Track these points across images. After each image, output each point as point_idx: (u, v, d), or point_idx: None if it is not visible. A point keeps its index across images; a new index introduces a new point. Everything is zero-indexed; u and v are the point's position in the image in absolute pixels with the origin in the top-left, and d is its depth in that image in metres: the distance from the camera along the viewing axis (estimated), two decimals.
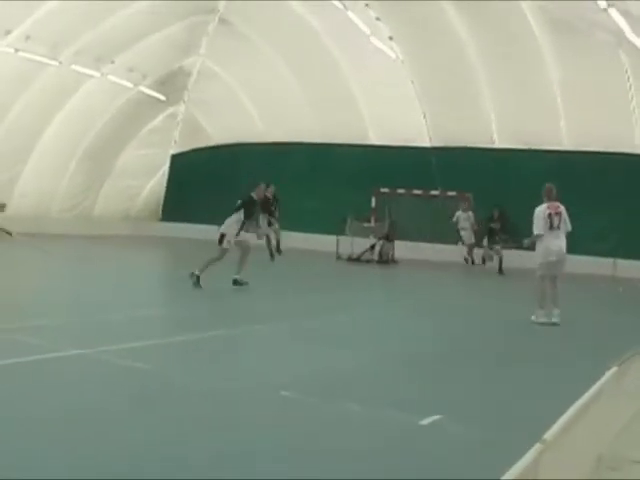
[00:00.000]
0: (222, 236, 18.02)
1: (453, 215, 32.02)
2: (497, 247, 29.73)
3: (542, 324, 15.00)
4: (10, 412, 7.23)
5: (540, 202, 15.63)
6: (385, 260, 30.82)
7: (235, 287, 17.94)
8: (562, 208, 15.55)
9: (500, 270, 28.72)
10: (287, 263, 28.45)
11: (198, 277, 17.61)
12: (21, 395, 7.96)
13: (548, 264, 15.41)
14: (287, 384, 8.88)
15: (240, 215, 18.20)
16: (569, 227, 15.57)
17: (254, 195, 18.99)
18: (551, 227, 15.31)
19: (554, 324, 15.01)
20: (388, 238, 31.53)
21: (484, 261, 30.98)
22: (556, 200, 15.66)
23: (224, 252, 18.08)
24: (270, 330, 13.34)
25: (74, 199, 36.47)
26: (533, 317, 15.31)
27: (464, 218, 31.66)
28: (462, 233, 31.63)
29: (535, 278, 15.60)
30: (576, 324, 15.53)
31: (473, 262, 31.50)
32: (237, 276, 18.25)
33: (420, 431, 7.45)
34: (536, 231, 15.37)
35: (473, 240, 31.43)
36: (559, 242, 15.48)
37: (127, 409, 7.72)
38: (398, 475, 6.17)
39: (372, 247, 31.15)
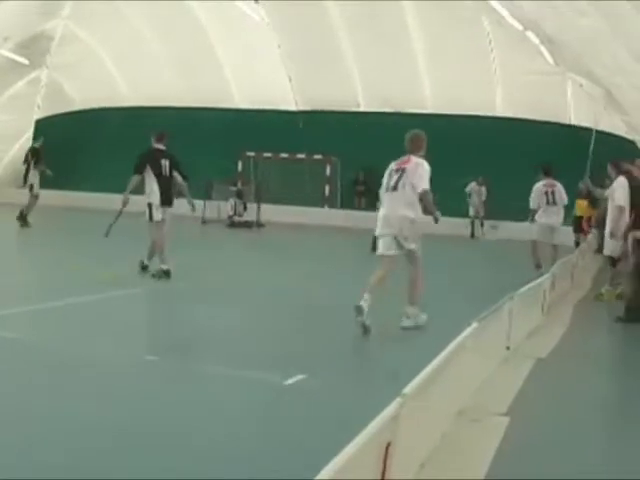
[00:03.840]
0: None
1: None
2: None
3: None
4: None
5: None
6: (248, 223, 30.97)
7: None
8: None
9: None
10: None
11: None
12: None
13: None
14: (152, 348, 8.79)
15: None
16: None
17: None
18: None
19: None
20: (239, 196, 31.82)
21: None
22: None
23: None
24: (135, 293, 13.21)
25: None
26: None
27: None
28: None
29: None
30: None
31: None
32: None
33: (284, 391, 7.46)
34: None
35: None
36: None
37: None
38: (260, 439, 6.15)
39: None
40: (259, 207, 31.46)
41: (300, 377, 7.77)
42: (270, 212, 31.73)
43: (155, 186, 14.57)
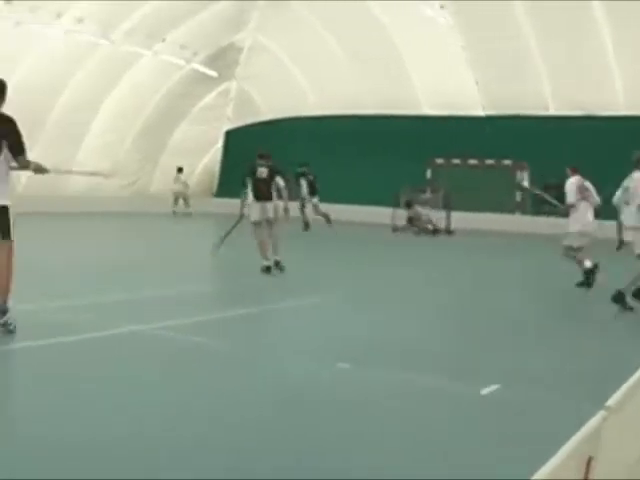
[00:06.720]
0: None
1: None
2: None
3: None
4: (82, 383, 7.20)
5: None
6: (437, 230, 30.84)
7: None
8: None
9: None
10: (343, 236, 28.38)
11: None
12: (83, 371, 7.66)
13: None
14: (345, 356, 8.67)
15: None
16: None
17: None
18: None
19: None
20: (431, 204, 31.86)
21: None
22: None
23: None
24: (333, 301, 13.22)
25: (131, 177, 36.79)
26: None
27: None
28: None
29: None
30: None
31: None
32: None
33: (482, 401, 7.24)
34: None
35: None
36: None
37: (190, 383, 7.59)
38: (467, 445, 6.01)
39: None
40: (449, 214, 31.28)
41: (495, 387, 7.53)
42: (459, 219, 31.56)
43: (250, 188, 16.63)
